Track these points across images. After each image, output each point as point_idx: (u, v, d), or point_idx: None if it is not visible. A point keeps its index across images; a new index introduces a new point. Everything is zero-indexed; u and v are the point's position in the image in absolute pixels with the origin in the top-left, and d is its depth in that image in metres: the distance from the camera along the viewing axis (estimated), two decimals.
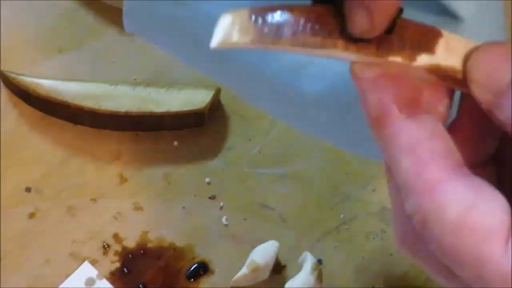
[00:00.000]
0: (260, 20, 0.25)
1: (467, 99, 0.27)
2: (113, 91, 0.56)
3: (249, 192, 0.55)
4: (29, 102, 0.57)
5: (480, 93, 0.26)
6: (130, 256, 0.53)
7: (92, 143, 0.56)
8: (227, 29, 0.25)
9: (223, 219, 0.54)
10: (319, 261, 0.53)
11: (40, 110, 0.57)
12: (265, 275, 0.52)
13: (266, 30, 0.25)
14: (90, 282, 0.52)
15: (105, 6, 0.61)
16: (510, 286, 0.23)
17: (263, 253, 0.51)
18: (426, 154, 0.25)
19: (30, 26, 0.60)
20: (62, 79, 0.57)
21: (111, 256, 0.53)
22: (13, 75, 0.57)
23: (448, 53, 0.26)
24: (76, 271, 0.52)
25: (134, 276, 0.52)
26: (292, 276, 0.51)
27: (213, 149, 0.57)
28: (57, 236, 0.53)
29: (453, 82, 0.27)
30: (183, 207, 0.55)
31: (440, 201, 0.25)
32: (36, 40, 0.60)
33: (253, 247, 0.52)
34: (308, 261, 0.51)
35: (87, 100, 0.56)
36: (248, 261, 0.51)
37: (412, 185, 0.26)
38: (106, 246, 0.53)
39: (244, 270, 0.51)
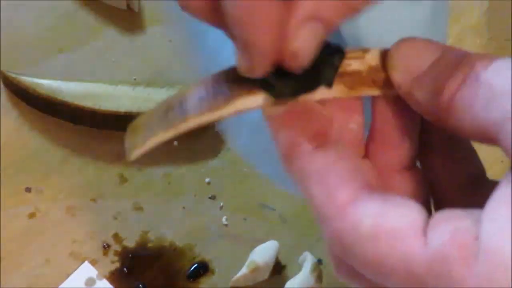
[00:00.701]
0: (161, 111, 0.26)
1: (378, 103, 0.28)
2: (113, 91, 0.56)
3: (249, 192, 0.55)
4: (29, 102, 0.57)
5: (400, 77, 0.27)
6: (130, 256, 0.53)
7: (92, 143, 0.56)
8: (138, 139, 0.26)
9: (223, 219, 0.54)
10: (319, 261, 0.53)
11: (40, 110, 0.57)
12: (265, 275, 0.52)
13: (170, 115, 0.26)
14: (90, 282, 0.52)
15: (105, 6, 0.61)
16: (441, 269, 0.23)
17: (263, 253, 0.51)
18: (333, 180, 0.26)
19: (30, 26, 0.60)
20: (62, 79, 0.57)
21: (111, 256, 0.53)
22: (13, 75, 0.57)
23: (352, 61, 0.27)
24: (76, 271, 0.52)
25: (134, 276, 0.52)
26: (292, 276, 0.51)
27: (213, 149, 0.57)
28: (57, 236, 0.53)
29: (364, 87, 0.27)
30: (183, 207, 0.55)
31: (352, 219, 0.25)
32: (36, 40, 0.60)
33: (253, 247, 0.52)
34: (308, 261, 0.51)
35: (87, 100, 0.56)
36: (248, 261, 0.51)
37: (324, 212, 0.27)
38: (106, 246, 0.53)
39: (244, 270, 0.51)
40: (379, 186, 0.27)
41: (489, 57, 0.25)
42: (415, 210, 0.25)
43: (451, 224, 0.24)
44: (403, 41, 0.27)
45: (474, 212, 0.24)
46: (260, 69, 0.25)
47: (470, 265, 0.23)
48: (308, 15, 0.24)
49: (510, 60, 0.25)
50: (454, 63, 0.26)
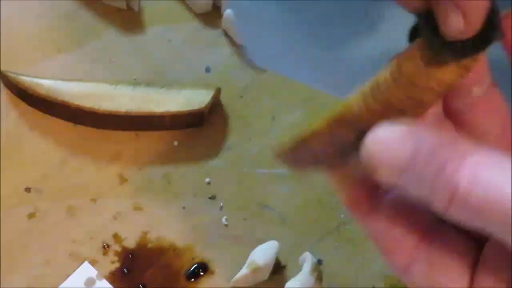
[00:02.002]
0: None
1: None
2: (113, 91, 0.56)
3: (249, 192, 0.55)
4: (29, 102, 0.57)
5: (379, 177, 0.27)
6: (130, 256, 0.53)
7: (92, 143, 0.56)
8: None
9: (223, 219, 0.54)
10: (319, 261, 0.53)
11: (40, 110, 0.57)
12: (265, 275, 0.52)
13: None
14: (90, 282, 0.52)
15: (105, 6, 0.61)
16: None
17: (263, 253, 0.51)
18: (388, 244, 0.29)
19: (30, 26, 0.60)
20: (62, 79, 0.57)
21: (111, 256, 0.53)
22: (13, 75, 0.57)
23: None
24: (76, 271, 0.52)
25: (134, 276, 0.52)
26: (292, 276, 0.51)
27: (213, 149, 0.57)
28: (57, 236, 0.53)
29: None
30: (183, 207, 0.55)
31: (411, 281, 0.29)
32: (36, 40, 0.60)
33: (253, 247, 0.52)
34: (308, 261, 0.51)
35: (87, 100, 0.56)
36: (248, 261, 0.51)
37: (389, 265, 0.30)
38: (106, 246, 0.53)
39: (244, 271, 0.51)
40: (432, 236, 0.29)
41: (482, 150, 0.24)
42: (461, 271, 0.28)
43: None
44: (372, 138, 0.26)
45: None
46: (475, 26, 0.25)
47: None
48: None
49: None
50: (436, 157, 0.25)
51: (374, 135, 0.26)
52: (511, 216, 0.23)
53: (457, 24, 0.25)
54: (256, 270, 0.51)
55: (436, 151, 0.25)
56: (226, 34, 0.61)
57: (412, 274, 0.29)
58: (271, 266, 0.51)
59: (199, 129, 0.57)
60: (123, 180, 0.55)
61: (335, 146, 0.29)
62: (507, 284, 0.26)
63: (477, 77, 0.28)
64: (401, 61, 0.26)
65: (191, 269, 0.52)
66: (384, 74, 0.27)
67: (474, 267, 0.27)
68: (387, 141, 0.26)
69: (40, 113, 0.57)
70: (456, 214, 0.25)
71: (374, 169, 0.26)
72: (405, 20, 0.27)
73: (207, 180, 0.55)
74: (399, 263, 0.29)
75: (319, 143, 0.29)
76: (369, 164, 0.26)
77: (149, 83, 0.57)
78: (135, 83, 0.57)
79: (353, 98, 0.28)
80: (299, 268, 0.51)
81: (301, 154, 0.30)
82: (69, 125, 0.57)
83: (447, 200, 0.24)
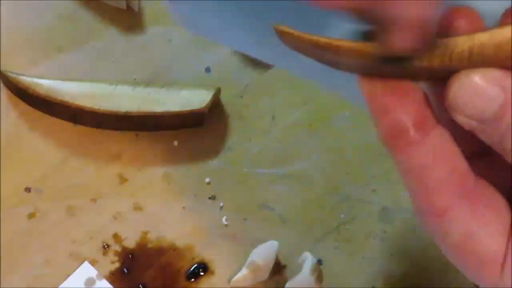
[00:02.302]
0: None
1: None
2: (113, 91, 0.56)
3: (249, 192, 0.55)
4: (29, 102, 0.57)
5: (465, 121, 0.27)
6: (130, 256, 0.53)
7: (92, 143, 0.56)
8: None
9: (223, 219, 0.54)
10: (319, 261, 0.53)
11: (40, 110, 0.57)
12: (265, 275, 0.52)
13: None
14: (90, 282, 0.52)
15: (105, 6, 0.61)
16: None
17: (263, 253, 0.51)
18: (430, 182, 0.27)
19: (30, 26, 0.60)
20: (62, 79, 0.57)
21: (111, 256, 0.53)
22: (13, 75, 0.57)
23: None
24: (76, 271, 0.52)
25: (134, 276, 0.52)
26: (292, 276, 0.51)
27: (213, 149, 0.57)
28: (57, 236, 0.53)
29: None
30: (183, 207, 0.55)
31: (444, 229, 0.27)
32: (36, 40, 0.60)
33: (253, 247, 0.52)
34: (308, 261, 0.51)
35: (87, 100, 0.55)
36: (248, 261, 0.51)
37: (421, 211, 0.28)
38: (106, 246, 0.53)
39: (244, 270, 0.51)
40: (475, 185, 0.28)
41: None
42: (501, 231, 0.27)
43: None
44: (463, 80, 0.26)
45: None
46: (419, 43, 0.25)
47: None
48: None
49: None
50: None
51: (468, 79, 0.26)
52: None
53: (401, 42, 0.25)
54: (256, 270, 0.51)
55: None
56: None
57: (449, 221, 0.27)
58: (271, 266, 0.51)
59: (199, 129, 0.57)
60: (123, 180, 0.55)
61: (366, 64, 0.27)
62: None
63: None
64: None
65: (191, 269, 0.52)
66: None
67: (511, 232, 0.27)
68: (479, 88, 0.26)
69: (40, 113, 0.57)
70: None
71: (457, 111, 0.26)
72: None
73: (207, 180, 0.55)
74: (438, 204, 0.27)
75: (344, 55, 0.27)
76: (453, 105, 0.26)
77: (149, 83, 0.57)
78: (135, 83, 0.57)
79: None
80: (299, 268, 0.51)
81: (309, 47, 0.28)
82: (69, 125, 0.57)
83: None
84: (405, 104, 0.27)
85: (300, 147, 0.57)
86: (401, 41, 0.25)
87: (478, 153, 0.29)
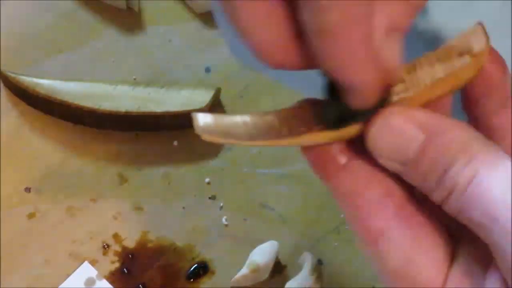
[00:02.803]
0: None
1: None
2: (113, 91, 0.56)
3: (249, 192, 0.55)
4: (29, 102, 0.57)
5: (386, 164, 0.26)
6: (130, 256, 0.53)
7: (92, 143, 0.56)
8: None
9: (223, 219, 0.54)
10: (319, 261, 0.53)
11: (40, 110, 0.57)
12: (265, 275, 0.52)
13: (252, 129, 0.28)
14: (90, 282, 0.52)
15: (105, 6, 0.61)
16: None
17: (263, 253, 0.51)
18: (364, 205, 0.26)
19: (30, 26, 0.60)
20: (62, 79, 0.57)
21: (111, 256, 0.53)
22: (13, 75, 0.57)
23: None
24: (76, 271, 0.52)
25: (134, 276, 0.52)
26: (292, 276, 0.51)
27: (213, 149, 0.57)
28: (56, 236, 0.53)
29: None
30: (183, 207, 0.55)
31: (381, 254, 0.26)
32: (36, 40, 0.60)
33: (253, 247, 0.52)
34: (308, 261, 0.51)
35: (87, 100, 0.55)
36: (248, 261, 0.51)
37: (357, 234, 0.27)
38: (106, 246, 0.53)
39: (244, 270, 0.51)
40: (415, 212, 0.27)
41: (492, 157, 0.24)
42: (441, 258, 0.26)
43: None
44: (380, 122, 0.26)
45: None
46: (374, 99, 0.25)
47: None
48: (387, 28, 0.24)
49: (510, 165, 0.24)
50: (445, 156, 0.25)
51: (386, 120, 0.26)
52: (500, 223, 0.23)
53: (357, 101, 0.25)
54: (256, 270, 0.51)
55: (446, 149, 0.25)
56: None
57: (386, 245, 0.26)
58: (271, 266, 0.51)
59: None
60: (123, 180, 0.55)
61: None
62: (477, 284, 0.25)
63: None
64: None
65: (191, 269, 0.52)
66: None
67: (451, 260, 0.26)
68: (397, 128, 0.25)
69: (40, 113, 0.57)
70: (452, 208, 0.25)
71: (378, 154, 0.26)
72: None
73: (207, 180, 0.55)
74: (373, 227, 0.26)
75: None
76: (373, 148, 0.26)
77: (149, 83, 0.57)
78: (135, 83, 0.57)
79: None
80: (299, 268, 0.51)
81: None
82: (69, 125, 0.57)
83: (446, 193, 0.25)
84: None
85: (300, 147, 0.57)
86: (355, 102, 0.25)
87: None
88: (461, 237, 0.27)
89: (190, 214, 0.54)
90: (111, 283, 0.51)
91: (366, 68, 0.24)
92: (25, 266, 0.52)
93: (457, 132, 0.25)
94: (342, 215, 0.55)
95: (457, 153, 0.24)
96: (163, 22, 0.61)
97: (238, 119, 0.27)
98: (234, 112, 0.58)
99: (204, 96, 0.56)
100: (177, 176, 0.56)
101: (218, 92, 0.57)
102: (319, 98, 0.27)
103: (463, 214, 0.24)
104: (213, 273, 0.52)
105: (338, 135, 0.26)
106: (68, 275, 0.52)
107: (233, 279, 0.51)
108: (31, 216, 0.54)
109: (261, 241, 0.52)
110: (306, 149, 0.28)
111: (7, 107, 0.57)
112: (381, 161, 0.26)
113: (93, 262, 0.52)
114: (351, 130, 0.26)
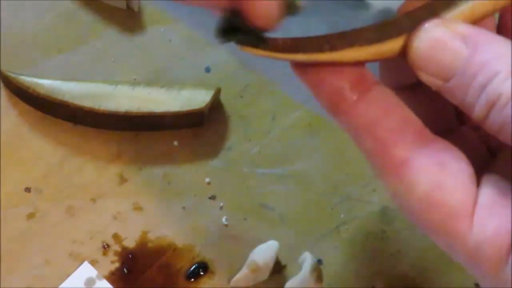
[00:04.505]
0: None
1: None
2: (113, 91, 0.56)
3: (249, 192, 0.55)
4: (29, 102, 0.57)
5: (428, 80, 0.26)
6: (130, 256, 0.53)
7: (92, 143, 0.56)
8: None
9: (223, 219, 0.54)
10: (319, 261, 0.53)
11: (40, 110, 0.57)
12: (265, 275, 0.52)
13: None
14: (90, 282, 0.52)
15: (105, 6, 0.61)
16: (476, 261, 0.24)
17: (263, 253, 0.51)
18: (384, 134, 0.26)
19: (30, 26, 0.60)
20: (62, 79, 0.57)
21: (111, 256, 0.53)
22: (13, 75, 0.57)
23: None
24: (76, 271, 0.52)
25: (134, 276, 0.52)
26: (292, 276, 0.51)
27: (213, 149, 0.57)
28: (56, 236, 0.53)
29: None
30: (183, 207, 0.55)
31: (407, 181, 0.25)
32: (36, 40, 0.60)
33: (253, 247, 0.52)
34: (308, 261, 0.51)
35: (87, 100, 0.56)
36: (248, 261, 0.51)
37: (379, 169, 0.27)
38: (106, 246, 0.53)
39: (244, 270, 0.51)
40: (434, 138, 0.26)
41: None
42: (470, 180, 0.25)
43: (496, 217, 0.24)
44: (423, 35, 0.25)
45: None
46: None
47: (499, 270, 0.24)
48: None
49: None
50: (489, 69, 0.24)
51: (429, 33, 0.25)
52: None
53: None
54: (256, 270, 0.51)
55: (490, 62, 0.24)
56: None
57: (413, 170, 0.25)
58: (271, 266, 0.51)
59: (199, 129, 0.57)
60: (123, 180, 0.55)
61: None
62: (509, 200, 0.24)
63: None
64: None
65: (191, 269, 0.52)
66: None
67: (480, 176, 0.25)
68: (441, 42, 0.25)
69: (40, 113, 0.57)
70: (494, 123, 0.24)
71: (420, 69, 0.25)
72: None
73: (207, 180, 0.55)
74: (397, 154, 0.25)
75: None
76: (415, 62, 0.25)
77: (149, 83, 0.57)
78: (135, 83, 0.57)
79: None
80: (299, 268, 0.51)
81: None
82: (69, 125, 0.57)
83: (489, 107, 0.24)
84: (338, 71, 0.26)
85: (300, 147, 0.57)
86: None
87: (441, 132, 0.28)
88: (488, 163, 0.26)
89: (190, 214, 0.54)
90: (111, 283, 0.51)
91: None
92: (25, 266, 0.52)
93: (501, 45, 0.25)
94: (342, 215, 0.55)
95: (501, 66, 0.24)
96: (163, 22, 0.61)
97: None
98: (234, 112, 0.58)
99: (204, 96, 0.56)
100: (177, 176, 0.56)
101: (218, 92, 0.57)
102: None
103: (505, 127, 0.24)
104: (213, 273, 0.52)
105: (380, 51, 0.26)
106: (68, 275, 0.52)
107: (233, 279, 0.51)
108: (31, 216, 0.54)
109: (261, 241, 0.52)
110: (318, 87, 0.27)
111: (7, 107, 0.57)
112: (423, 76, 0.25)
113: (93, 262, 0.52)
114: (394, 45, 0.26)
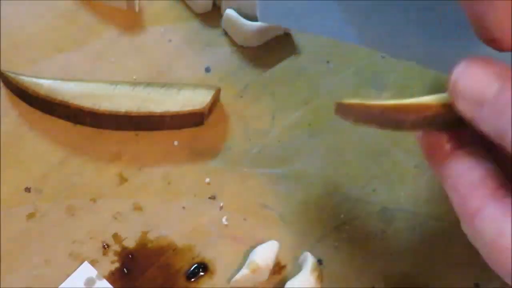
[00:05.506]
0: None
1: None
2: (113, 91, 0.56)
3: (249, 192, 0.55)
4: (29, 102, 0.57)
5: (461, 105, 0.30)
6: (130, 256, 0.53)
7: (92, 143, 0.56)
8: None
9: (223, 219, 0.54)
10: (319, 261, 0.53)
11: (40, 110, 0.57)
12: (265, 275, 0.52)
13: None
14: (90, 282, 0.52)
15: (105, 6, 0.61)
16: None
17: (263, 253, 0.51)
18: (464, 188, 0.30)
19: (30, 26, 0.60)
20: (62, 79, 0.57)
21: (111, 256, 0.53)
22: (13, 75, 0.57)
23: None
24: (76, 271, 0.52)
25: (134, 276, 0.52)
26: (292, 276, 0.51)
27: (213, 149, 0.57)
28: (56, 236, 0.53)
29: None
30: (183, 207, 0.55)
31: (477, 230, 0.29)
32: (36, 40, 0.60)
33: (253, 247, 0.52)
34: (308, 261, 0.51)
35: (87, 100, 0.56)
36: (248, 261, 0.51)
37: (460, 214, 0.31)
38: (106, 246, 0.53)
39: (244, 271, 0.51)
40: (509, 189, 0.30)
41: None
42: None
43: None
44: (465, 63, 0.29)
45: None
46: None
47: None
48: None
49: None
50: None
51: (466, 66, 0.29)
52: None
53: None
54: (256, 270, 0.51)
55: None
56: (226, 34, 0.61)
57: (481, 220, 0.29)
58: (271, 266, 0.51)
59: (199, 129, 0.57)
60: (123, 180, 0.55)
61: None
62: None
63: None
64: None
65: (191, 269, 0.52)
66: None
67: None
68: (476, 74, 0.28)
69: (40, 113, 0.57)
70: None
71: (457, 95, 0.29)
72: None
73: (207, 180, 0.55)
74: (471, 205, 0.29)
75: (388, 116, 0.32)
76: (453, 91, 0.29)
77: (149, 83, 0.57)
78: (135, 83, 0.57)
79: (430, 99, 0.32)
80: (299, 268, 0.51)
81: (360, 113, 0.34)
82: (69, 125, 0.57)
83: None
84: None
85: (300, 147, 0.57)
86: None
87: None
88: None
89: (190, 214, 0.54)
90: (111, 283, 0.51)
91: None
92: (25, 266, 0.52)
93: None
94: (342, 215, 0.55)
95: None
96: (163, 22, 0.61)
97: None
98: (234, 112, 0.58)
99: (204, 96, 0.56)
100: (177, 176, 0.56)
101: (218, 92, 0.57)
102: None
103: None
104: (213, 273, 0.52)
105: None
106: (68, 275, 0.52)
107: (233, 279, 0.51)
108: (31, 216, 0.54)
109: (261, 241, 0.52)
110: (421, 139, 0.33)
111: (7, 107, 0.57)
112: (460, 103, 0.29)
113: (93, 262, 0.52)
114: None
